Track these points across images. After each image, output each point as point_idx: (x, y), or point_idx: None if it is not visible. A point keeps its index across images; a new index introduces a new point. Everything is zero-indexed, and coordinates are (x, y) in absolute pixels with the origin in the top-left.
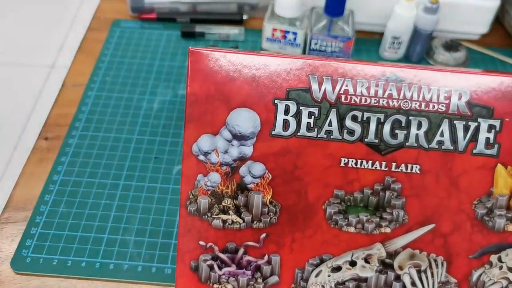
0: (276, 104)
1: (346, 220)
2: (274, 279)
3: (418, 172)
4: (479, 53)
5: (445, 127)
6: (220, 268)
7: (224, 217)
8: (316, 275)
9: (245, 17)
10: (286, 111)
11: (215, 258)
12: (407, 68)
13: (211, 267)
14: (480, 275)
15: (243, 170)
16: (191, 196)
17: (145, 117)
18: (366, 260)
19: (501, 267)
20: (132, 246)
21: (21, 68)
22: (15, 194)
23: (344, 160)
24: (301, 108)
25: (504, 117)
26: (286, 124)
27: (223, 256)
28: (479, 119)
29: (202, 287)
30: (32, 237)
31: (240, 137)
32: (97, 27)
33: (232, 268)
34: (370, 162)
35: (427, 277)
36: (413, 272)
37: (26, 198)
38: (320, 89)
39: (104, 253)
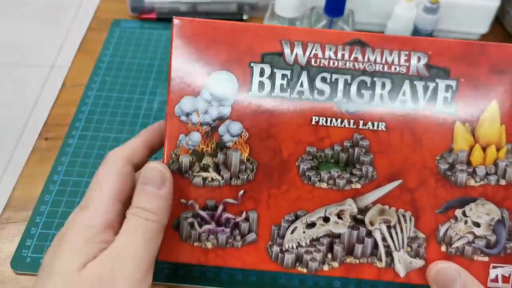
0: (252, 67)
1: (319, 176)
2: (252, 236)
3: (384, 129)
4: None
5: (406, 87)
6: (200, 226)
7: (204, 174)
8: (292, 232)
9: (245, 17)
10: (261, 74)
11: (195, 215)
12: (371, 35)
13: (191, 225)
14: (447, 230)
15: (222, 129)
16: (173, 156)
17: (145, 117)
18: (339, 216)
19: (466, 222)
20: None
21: (21, 68)
22: (15, 194)
23: (315, 119)
24: (275, 70)
25: (459, 77)
26: (261, 85)
27: (203, 213)
28: (437, 80)
29: (183, 245)
30: (32, 237)
31: (219, 98)
32: (97, 27)
33: (212, 226)
34: (339, 120)
35: (396, 233)
36: (384, 227)
37: (26, 198)
38: (292, 53)
39: None
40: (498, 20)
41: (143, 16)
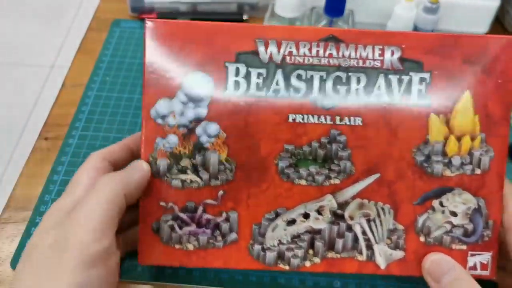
0: (227, 67)
1: (297, 173)
2: (232, 236)
3: (360, 124)
4: None
5: (381, 81)
6: (180, 228)
7: (183, 176)
8: (273, 230)
9: (245, 17)
10: (237, 73)
11: (175, 218)
12: (344, 31)
13: (172, 228)
14: (425, 220)
15: (199, 130)
16: (150, 159)
17: None
18: (319, 212)
19: (443, 212)
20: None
21: (21, 68)
22: (15, 194)
23: (292, 116)
24: (250, 69)
25: (432, 70)
26: (237, 85)
27: (183, 216)
28: (410, 73)
29: (164, 248)
30: None
31: (195, 99)
32: (97, 27)
33: (192, 227)
34: (315, 116)
35: (376, 226)
36: (363, 221)
37: (26, 198)
38: (266, 51)
39: None
40: (498, 20)
41: (143, 16)
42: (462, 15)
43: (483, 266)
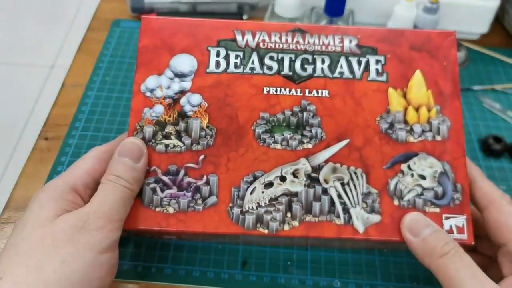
0: (209, 50)
1: (273, 138)
2: (212, 199)
3: (327, 96)
4: (479, 53)
5: (343, 61)
6: (162, 191)
7: (167, 142)
8: (251, 193)
9: (245, 17)
10: (218, 55)
11: (157, 181)
12: (308, 26)
13: (154, 190)
14: (396, 184)
15: (183, 100)
16: (137, 127)
17: None
18: (295, 175)
19: (412, 175)
20: (132, 246)
21: (21, 68)
22: (15, 194)
23: (266, 89)
24: (229, 52)
25: (386, 54)
26: (218, 64)
27: (165, 178)
28: (367, 56)
29: (145, 211)
30: None
31: (180, 75)
32: (97, 27)
33: (173, 190)
34: (287, 89)
35: (350, 189)
36: (338, 185)
37: (26, 198)
38: (243, 39)
39: None
40: (498, 20)
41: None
42: (462, 15)
43: (460, 230)
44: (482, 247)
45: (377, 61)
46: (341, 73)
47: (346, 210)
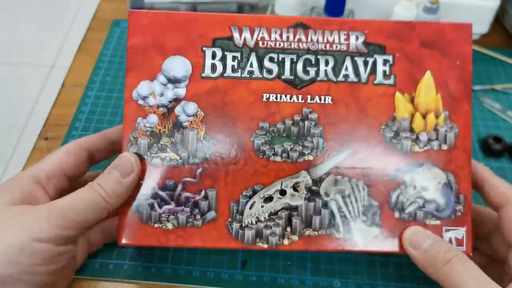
0: (204, 51)
1: (273, 150)
2: (211, 214)
3: (330, 102)
4: (479, 53)
5: (348, 63)
6: (160, 207)
7: (162, 155)
8: (250, 207)
9: None
10: (213, 56)
11: (154, 196)
12: (311, 19)
13: (151, 206)
14: (398, 196)
15: (178, 110)
16: (131, 139)
17: None
18: (295, 188)
19: (415, 187)
20: (132, 246)
21: (21, 68)
22: None
23: (266, 95)
24: (225, 53)
25: (394, 52)
26: (213, 67)
27: (162, 194)
28: (375, 55)
29: (144, 228)
30: None
31: (174, 81)
32: (97, 27)
33: (171, 206)
34: (288, 95)
35: (351, 202)
36: (339, 198)
37: None
38: (240, 37)
39: (104, 253)
40: (498, 20)
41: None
42: (462, 15)
43: (459, 242)
44: (482, 247)
45: (385, 62)
46: (346, 76)
47: (346, 224)
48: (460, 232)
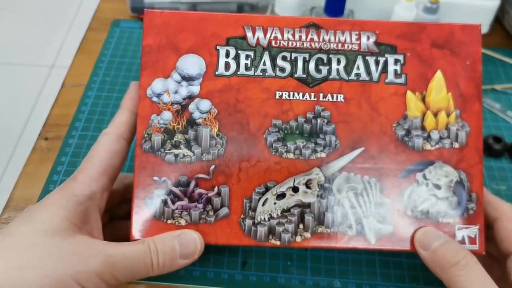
0: (218, 49)
1: (285, 147)
2: (224, 210)
3: (342, 100)
4: None
5: (359, 62)
6: (173, 203)
7: (176, 151)
8: (263, 204)
9: None
10: (227, 55)
11: (168, 192)
12: (323, 19)
13: (164, 202)
14: (410, 193)
15: (191, 107)
16: (145, 135)
17: None
18: (307, 185)
19: (427, 185)
20: None
21: (21, 68)
22: (15, 194)
23: (279, 93)
24: (239, 52)
25: (405, 52)
26: (227, 66)
27: (176, 190)
28: (386, 55)
29: (157, 223)
30: None
31: (188, 78)
32: (96, 27)
33: (185, 202)
34: (300, 93)
35: (364, 200)
36: (351, 195)
37: (26, 198)
38: (254, 36)
39: None
40: (498, 20)
41: (143, 16)
42: (462, 15)
43: (472, 240)
44: (490, 248)
45: (396, 61)
46: (358, 74)
47: (358, 221)
48: (473, 230)
